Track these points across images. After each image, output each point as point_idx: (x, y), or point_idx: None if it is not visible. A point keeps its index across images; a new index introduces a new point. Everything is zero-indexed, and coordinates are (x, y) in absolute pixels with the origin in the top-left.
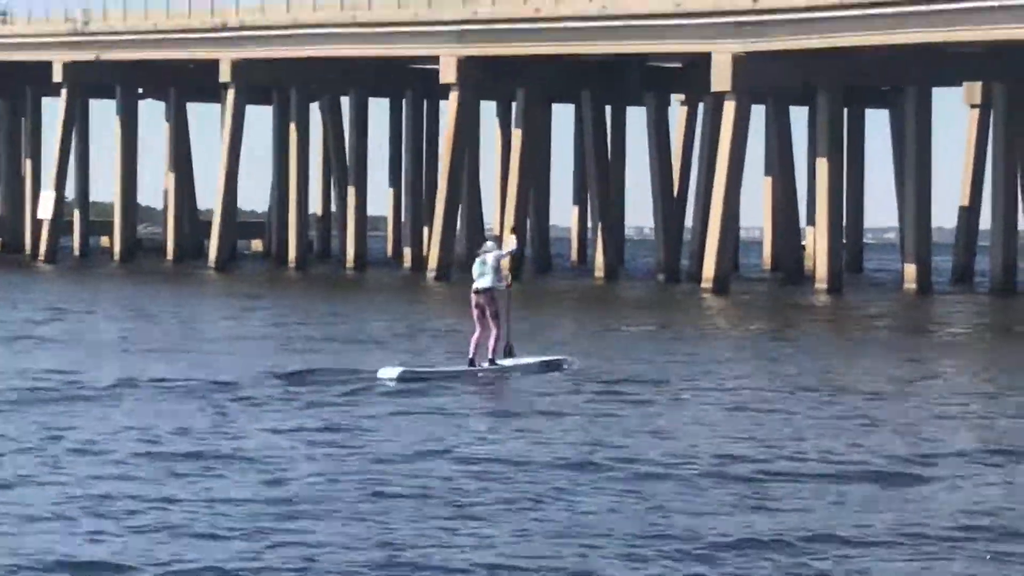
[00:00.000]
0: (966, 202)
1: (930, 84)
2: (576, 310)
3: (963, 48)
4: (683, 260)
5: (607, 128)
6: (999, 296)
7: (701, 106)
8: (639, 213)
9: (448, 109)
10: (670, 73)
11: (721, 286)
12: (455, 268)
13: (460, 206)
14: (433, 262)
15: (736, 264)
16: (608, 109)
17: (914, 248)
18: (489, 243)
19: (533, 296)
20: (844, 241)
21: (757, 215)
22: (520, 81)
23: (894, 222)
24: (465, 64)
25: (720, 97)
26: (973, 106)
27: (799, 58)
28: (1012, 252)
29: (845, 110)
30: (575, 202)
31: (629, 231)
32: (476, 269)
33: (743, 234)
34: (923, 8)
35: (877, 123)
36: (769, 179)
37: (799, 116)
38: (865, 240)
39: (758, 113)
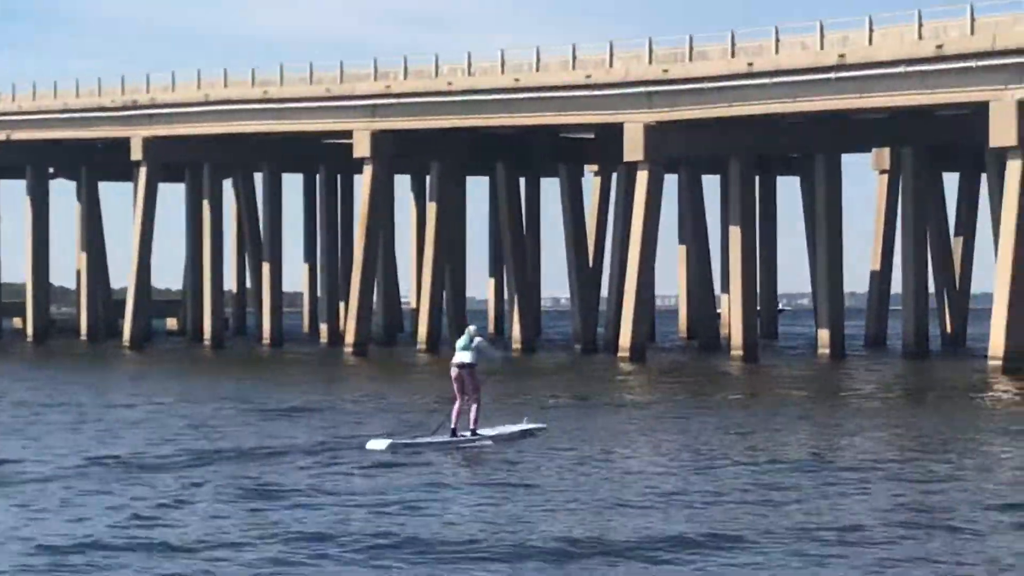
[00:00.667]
0: (877, 267)
1: (839, 150)
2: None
3: (871, 114)
4: (600, 329)
5: (521, 199)
6: (911, 360)
7: (614, 176)
8: (555, 284)
9: (362, 183)
10: (583, 144)
11: (638, 355)
12: (372, 342)
13: (376, 280)
14: (350, 336)
15: (652, 333)
16: (522, 180)
17: (827, 313)
18: (473, 328)
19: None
20: (758, 308)
21: (672, 283)
22: (434, 154)
23: (808, 287)
24: (378, 138)
25: (633, 167)
26: (882, 171)
27: (710, 127)
28: (923, 316)
29: (757, 178)
30: (491, 274)
31: (545, 302)
32: (461, 341)
33: (659, 302)
34: (831, 76)
35: (789, 190)
36: (683, 247)
37: (712, 184)
38: (781, 306)
39: (671, 182)
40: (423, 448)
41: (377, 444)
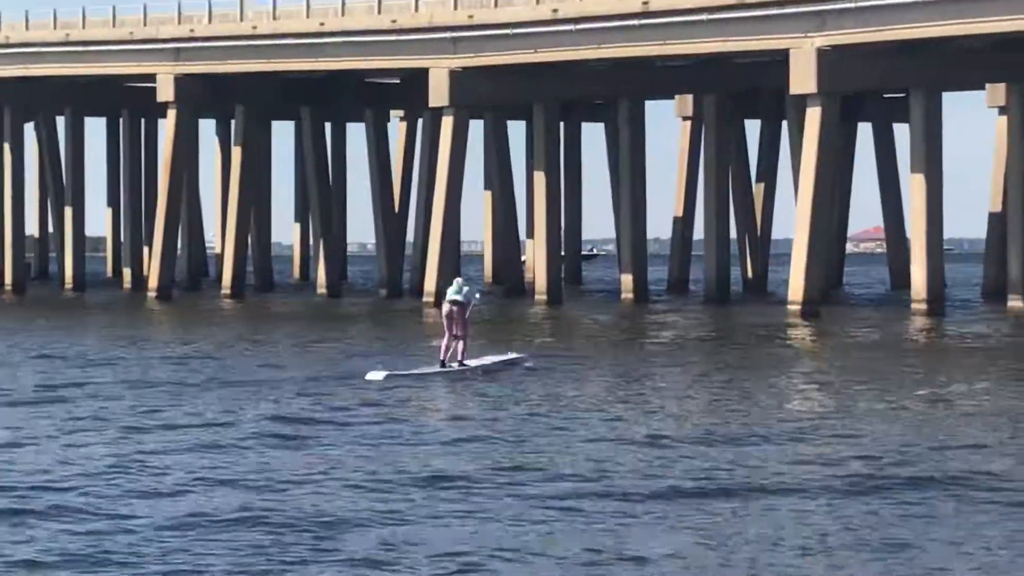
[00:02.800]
0: (680, 213)
1: (643, 97)
2: (298, 327)
3: (675, 61)
4: (405, 274)
5: (327, 145)
6: (713, 305)
7: (420, 122)
8: (361, 229)
9: (166, 127)
10: (389, 89)
11: (442, 300)
12: (176, 287)
13: (180, 225)
14: (154, 281)
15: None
16: (328, 126)
17: (630, 259)
18: (460, 279)
19: (258, 314)
20: (563, 253)
21: (478, 229)
22: (239, 99)
23: (612, 234)
24: (182, 82)
25: (438, 112)
26: (685, 118)
27: (516, 73)
28: (725, 262)
29: (561, 124)
30: (296, 219)
31: (351, 247)
32: (453, 288)
33: (464, 248)
34: (635, 23)
35: (594, 136)
36: (489, 193)
37: (517, 130)
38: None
39: (477, 128)
40: (417, 378)
41: (376, 375)
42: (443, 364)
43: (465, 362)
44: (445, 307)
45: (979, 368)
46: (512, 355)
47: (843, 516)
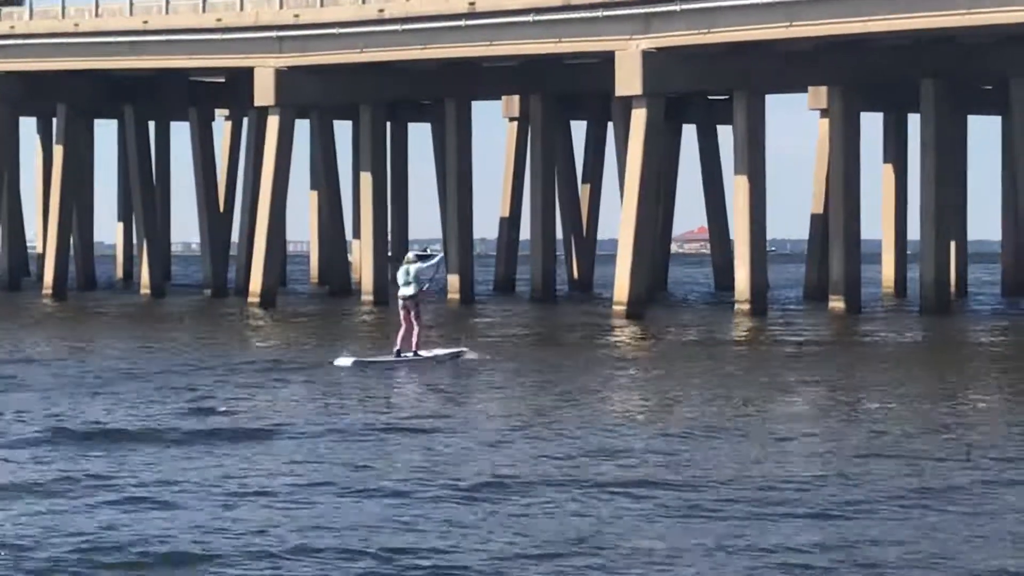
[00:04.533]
0: (506, 213)
1: (470, 97)
2: (125, 327)
3: (502, 62)
4: (231, 274)
5: (151, 143)
6: (538, 304)
7: (245, 121)
8: (185, 228)
9: None
10: (214, 88)
11: (267, 300)
12: None
13: (0, 224)
14: None
15: (283, 278)
16: (152, 124)
17: (456, 259)
18: (411, 255)
19: (78, 314)
20: (389, 254)
21: (304, 229)
22: (61, 96)
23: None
24: (2, 80)
25: (264, 112)
26: (511, 119)
27: (342, 73)
28: (550, 261)
29: (388, 124)
30: (120, 218)
31: (176, 247)
32: (400, 278)
33: (290, 248)
34: (462, 23)
35: (421, 136)
36: (315, 193)
37: (344, 130)
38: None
39: (303, 127)
40: (380, 365)
41: (343, 361)
42: (398, 353)
43: (419, 352)
44: (400, 301)
45: (793, 368)
46: (458, 349)
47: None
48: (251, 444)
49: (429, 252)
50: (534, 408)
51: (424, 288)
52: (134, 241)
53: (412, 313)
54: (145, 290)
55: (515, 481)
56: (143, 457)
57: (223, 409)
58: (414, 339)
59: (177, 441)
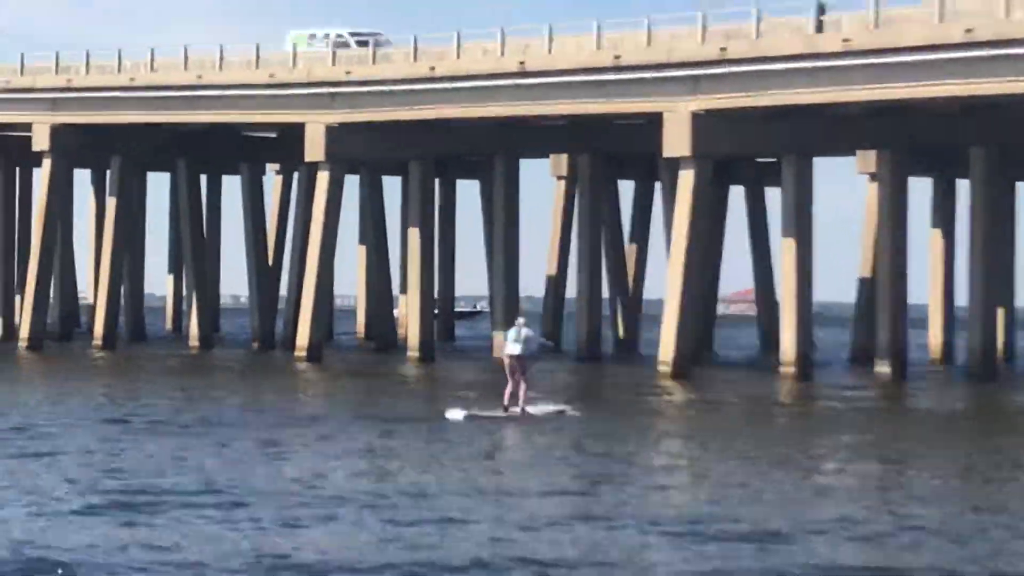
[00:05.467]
0: (553, 271)
1: (518, 155)
2: (172, 377)
3: (550, 121)
4: (278, 328)
5: (202, 196)
6: (584, 363)
7: (296, 175)
8: (235, 281)
9: (41, 177)
10: (265, 143)
11: (314, 354)
12: (47, 337)
13: (53, 275)
14: (25, 331)
15: (330, 332)
16: (204, 178)
17: (502, 317)
18: (522, 319)
19: (128, 364)
20: (436, 310)
21: (351, 284)
22: (115, 149)
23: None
24: (59, 132)
25: (314, 167)
26: (559, 177)
27: (392, 129)
28: (596, 320)
29: (436, 180)
30: (170, 270)
31: (225, 299)
32: (511, 334)
33: (338, 302)
34: (512, 82)
35: (469, 193)
36: (363, 248)
37: (393, 186)
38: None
39: (352, 182)
40: (490, 419)
41: (455, 415)
42: (505, 409)
43: (527, 408)
44: (506, 359)
45: (836, 434)
46: (561, 406)
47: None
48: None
49: (479, 309)
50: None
51: (533, 349)
52: (184, 293)
53: (519, 372)
54: (194, 342)
55: None
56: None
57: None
58: (520, 396)
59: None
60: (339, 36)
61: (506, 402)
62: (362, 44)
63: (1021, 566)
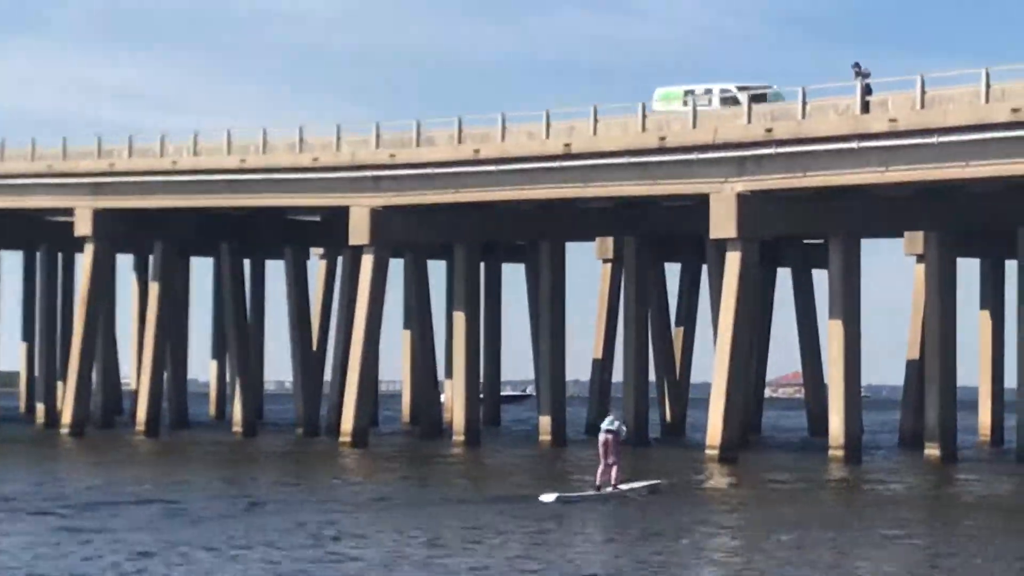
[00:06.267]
0: (599, 355)
1: (564, 238)
2: (216, 465)
3: (596, 203)
4: (323, 413)
5: (246, 281)
6: (633, 447)
7: (340, 259)
8: (279, 366)
9: (83, 262)
10: (309, 226)
11: (359, 439)
12: (90, 423)
13: (95, 360)
14: (67, 417)
15: (375, 417)
16: (247, 262)
17: (548, 400)
18: (612, 414)
19: (172, 450)
20: (481, 394)
21: (396, 368)
22: (157, 233)
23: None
24: (101, 216)
25: (358, 250)
26: (605, 260)
27: (436, 212)
28: (643, 404)
29: (482, 264)
30: (213, 356)
31: (269, 384)
32: (606, 421)
33: (382, 387)
34: (557, 164)
35: (515, 277)
36: (408, 332)
37: (438, 269)
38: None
39: (397, 266)
40: (582, 500)
41: (548, 497)
42: (598, 488)
43: (619, 486)
44: (601, 436)
45: (882, 520)
46: (654, 481)
47: None
48: None
49: (527, 393)
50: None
51: (622, 434)
52: (227, 378)
53: (612, 451)
54: (237, 428)
55: None
56: None
57: None
58: (614, 473)
59: None
60: (724, 91)
61: (598, 481)
62: (757, 99)
63: None
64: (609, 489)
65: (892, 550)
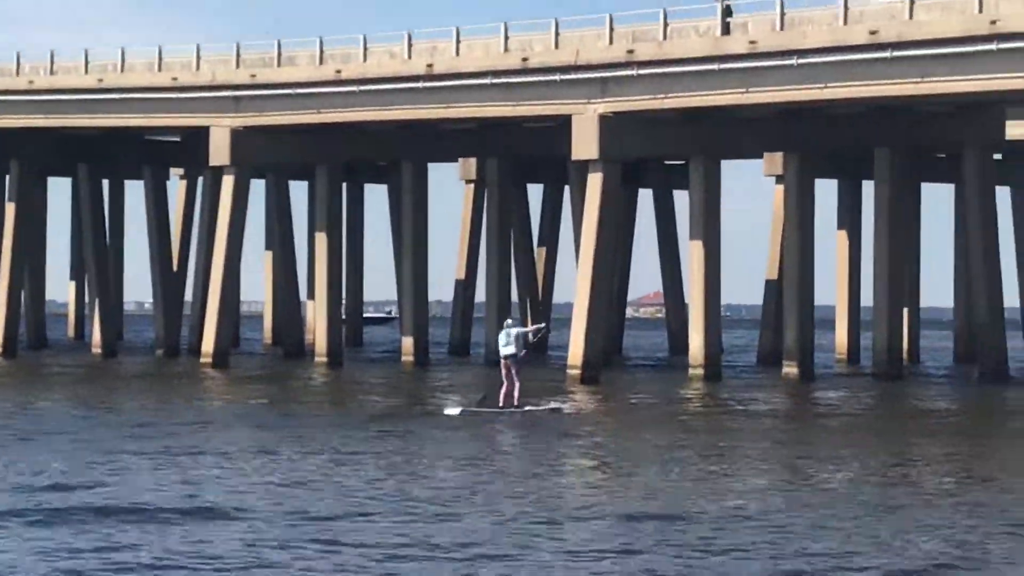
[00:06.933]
0: (462, 276)
1: (426, 159)
2: (73, 387)
3: (458, 124)
4: (184, 334)
5: (105, 202)
6: (493, 367)
7: (200, 180)
8: (138, 287)
9: None
10: (169, 147)
11: (220, 360)
12: None
13: None
14: None
15: (237, 338)
16: (106, 183)
17: (411, 321)
18: (510, 320)
19: (27, 374)
20: (344, 316)
21: (259, 289)
22: (14, 154)
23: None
24: None
25: (219, 171)
26: (468, 181)
27: (298, 133)
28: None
29: (344, 185)
30: (72, 277)
31: (129, 305)
32: (502, 339)
33: (244, 308)
34: (419, 85)
35: (378, 198)
36: (270, 253)
37: (300, 190)
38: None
39: (258, 187)
40: (485, 414)
41: (452, 410)
42: (501, 407)
43: (520, 405)
44: (501, 361)
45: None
46: (555, 404)
47: None
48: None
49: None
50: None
51: (522, 353)
52: (86, 300)
53: (513, 371)
54: (97, 349)
55: None
56: None
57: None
58: (516, 394)
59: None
60: None
61: (501, 401)
62: None
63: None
64: (511, 408)
65: (751, 463)
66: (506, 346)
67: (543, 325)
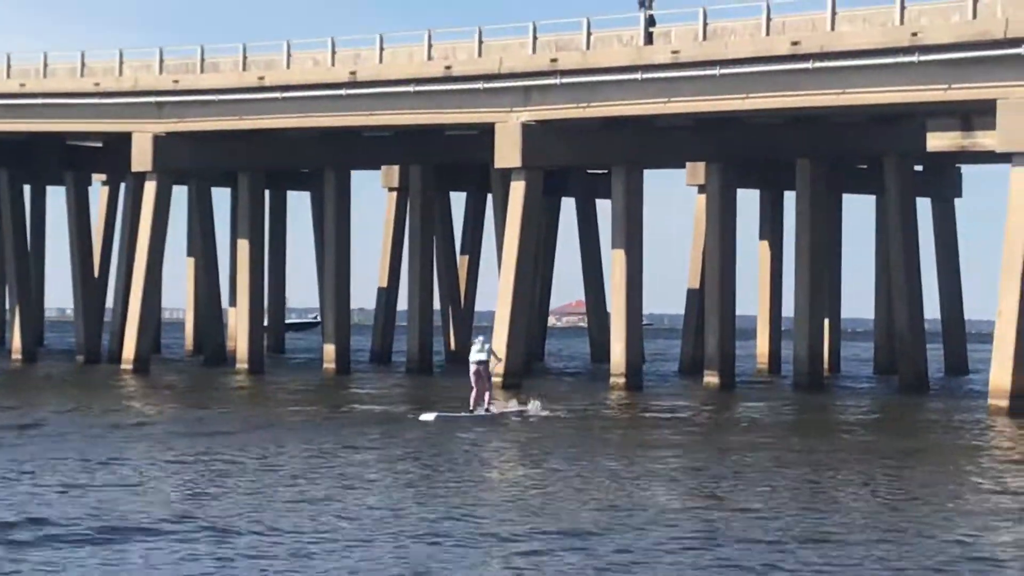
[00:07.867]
0: (385, 283)
1: (349, 167)
2: None
3: (381, 132)
4: (104, 341)
5: (26, 207)
6: (414, 375)
7: (123, 186)
8: (60, 294)
9: None
10: (91, 153)
11: (141, 366)
12: None
13: None
14: None
15: (158, 345)
16: (27, 188)
17: (333, 328)
18: (482, 337)
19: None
20: (266, 322)
21: (180, 296)
22: None
23: (317, 303)
24: None
25: (141, 177)
26: (391, 189)
27: (221, 139)
28: (428, 332)
29: (267, 192)
30: None
31: (50, 312)
32: (475, 347)
33: (166, 315)
34: (342, 92)
35: (301, 205)
36: (192, 260)
37: (222, 197)
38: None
39: (181, 193)
40: (459, 419)
41: (427, 416)
42: (472, 410)
43: (490, 408)
44: (472, 367)
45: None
46: (524, 407)
47: None
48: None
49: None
50: None
51: (490, 360)
52: (7, 305)
53: (483, 377)
54: (16, 355)
55: None
56: None
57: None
58: (486, 397)
59: None
60: None
61: (472, 405)
62: None
63: None
64: (481, 411)
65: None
66: (479, 352)
67: (501, 360)
